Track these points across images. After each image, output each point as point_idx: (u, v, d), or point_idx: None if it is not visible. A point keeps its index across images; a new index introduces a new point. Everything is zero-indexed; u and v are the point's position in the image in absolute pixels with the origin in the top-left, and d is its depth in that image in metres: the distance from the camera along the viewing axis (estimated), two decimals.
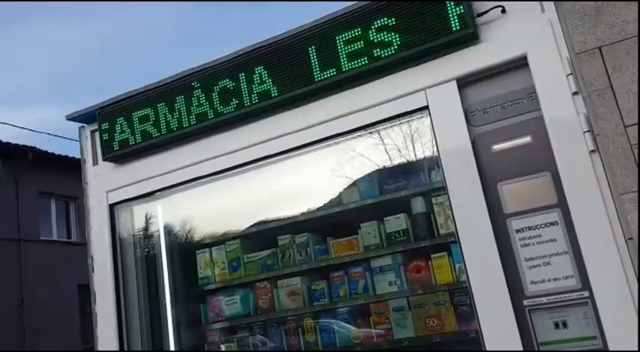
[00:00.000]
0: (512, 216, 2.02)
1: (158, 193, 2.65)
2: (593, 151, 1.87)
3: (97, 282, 2.63)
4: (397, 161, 2.81)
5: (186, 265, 3.08)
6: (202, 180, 2.59)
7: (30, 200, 12.48)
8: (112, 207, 2.68)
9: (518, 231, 2.01)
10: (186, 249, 3.13)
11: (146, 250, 2.93)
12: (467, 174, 2.04)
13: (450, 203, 2.08)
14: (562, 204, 1.94)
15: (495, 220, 2.01)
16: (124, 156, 2.66)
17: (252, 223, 3.15)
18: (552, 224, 1.96)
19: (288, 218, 2.94)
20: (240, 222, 3.16)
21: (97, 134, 2.74)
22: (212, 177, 2.58)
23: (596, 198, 1.85)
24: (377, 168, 2.84)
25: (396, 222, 2.61)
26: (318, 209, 2.92)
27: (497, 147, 2.05)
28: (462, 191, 2.06)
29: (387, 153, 2.80)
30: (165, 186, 2.59)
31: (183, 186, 2.62)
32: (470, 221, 2.03)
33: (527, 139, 2.02)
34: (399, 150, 2.77)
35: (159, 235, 2.98)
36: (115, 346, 2.59)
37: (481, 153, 2.06)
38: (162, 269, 2.95)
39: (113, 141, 2.67)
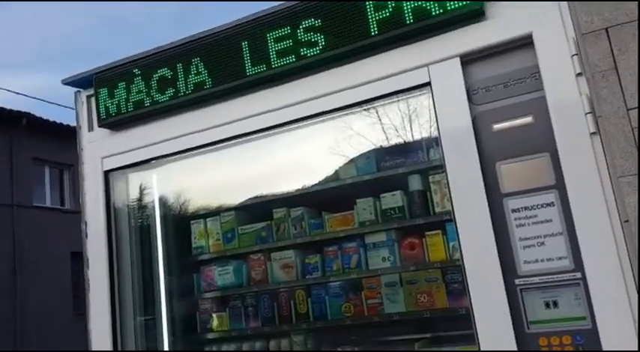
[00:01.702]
0: (509, 195, 2.02)
1: (154, 162, 2.63)
2: (593, 133, 1.86)
3: (91, 248, 2.63)
4: (395, 141, 2.81)
5: (180, 235, 3.08)
6: (199, 151, 2.56)
7: (24, 166, 12.42)
8: (106, 174, 2.65)
9: (514, 210, 2.01)
10: (180, 219, 3.13)
11: (140, 219, 2.92)
12: (466, 152, 2.03)
13: (448, 181, 2.07)
14: (560, 186, 1.94)
15: (492, 199, 2.01)
16: (120, 122, 2.63)
17: (247, 197, 3.15)
18: (549, 205, 1.97)
19: (284, 193, 2.94)
20: (236, 195, 3.16)
21: (93, 99, 2.70)
22: (209, 148, 2.56)
23: (594, 180, 1.85)
24: (374, 147, 2.83)
25: (392, 199, 2.61)
26: (314, 185, 2.92)
27: (497, 126, 2.04)
28: (461, 169, 2.05)
29: (385, 132, 2.79)
30: (161, 154, 2.57)
31: (179, 156, 2.60)
32: (467, 199, 2.03)
33: (528, 119, 2.01)
34: (396, 129, 2.76)
35: (153, 204, 2.97)
36: (107, 311, 2.60)
37: (481, 132, 2.05)
38: (156, 238, 2.95)
39: (109, 107, 2.63)
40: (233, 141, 2.51)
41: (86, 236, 2.65)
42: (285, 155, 2.94)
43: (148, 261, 2.90)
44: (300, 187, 2.96)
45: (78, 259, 12.00)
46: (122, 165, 2.63)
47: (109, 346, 2.58)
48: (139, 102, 2.56)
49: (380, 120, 2.76)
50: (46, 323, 12.06)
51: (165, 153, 2.55)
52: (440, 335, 2.57)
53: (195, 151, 2.55)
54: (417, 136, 2.73)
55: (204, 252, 2.99)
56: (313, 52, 2.26)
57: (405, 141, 2.71)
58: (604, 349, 1.80)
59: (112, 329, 2.61)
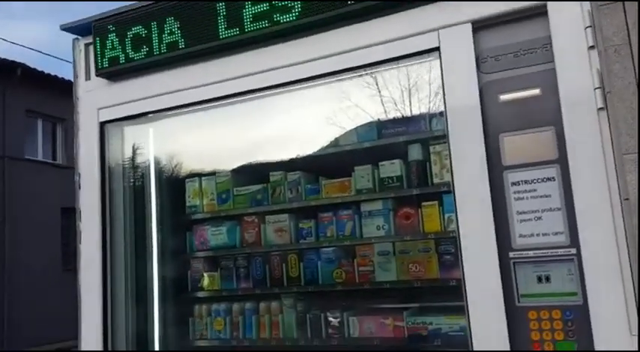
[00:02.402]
0: (510, 168, 2.00)
1: (151, 116, 2.58)
2: (601, 109, 1.83)
3: (83, 200, 2.60)
4: (392, 114, 2.78)
5: (174, 193, 3.06)
6: (198, 107, 2.51)
7: (16, 117, 12.26)
8: (102, 126, 2.60)
9: (514, 183, 1.99)
10: (175, 177, 3.10)
11: (134, 177, 2.89)
12: (471, 122, 2.00)
13: (450, 150, 2.04)
14: (562, 161, 1.92)
15: (493, 171, 1.99)
16: (118, 72, 2.56)
17: (244, 161, 3.12)
18: (549, 179, 1.95)
19: (281, 160, 2.91)
20: (233, 158, 3.13)
21: (92, 48, 2.63)
22: (208, 105, 2.51)
23: (597, 157, 1.83)
24: (372, 119, 2.80)
25: (391, 168, 2.59)
26: (313, 152, 2.89)
27: (504, 97, 2.01)
28: (464, 139, 2.02)
29: (383, 105, 2.76)
30: (158, 108, 2.51)
31: (177, 112, 2.55)
32: (467, 170, 2.01)
33: (536, 92, 1.97)
34: (395, 103, 2.72)
35: (149, 161, 2.93)
36: (98, 264, 2.59)
37: (487, 102, 2.01)
38: (149, 195, 2.92)
39: (107, 56, 2.56)
40: (232, 100, 2.46)
41: (79, 187, 2.61)
42: (284, 122, 2.91)
43: (141, 219, 2.88)
44: (297, 154, 2.94)
45: (68, 215, 12.04)
46: (118, 117, 2.58)
47: (98, 301, 2.58)
48: (138, 52, 2.49)
49: (380, 92, 2.72)
50: (35, 278, 12.13)
51: (163, 107, 2.50)
52: (429, 305, 2.59)
53: (194, 108, 2.50)
54: (416, 111, 2.70)
55: (197, 212, 2.97)
56: (321, 9, 2.19)
57: (408, 109, 2.67)
58: (593, 325, 1.81)
59: (103, 283, 2.60)
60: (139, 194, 2.89)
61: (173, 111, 2.53)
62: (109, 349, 2.58)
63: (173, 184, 3.06)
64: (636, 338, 1.74)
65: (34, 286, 12.02)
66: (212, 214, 2.94)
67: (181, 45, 2.42)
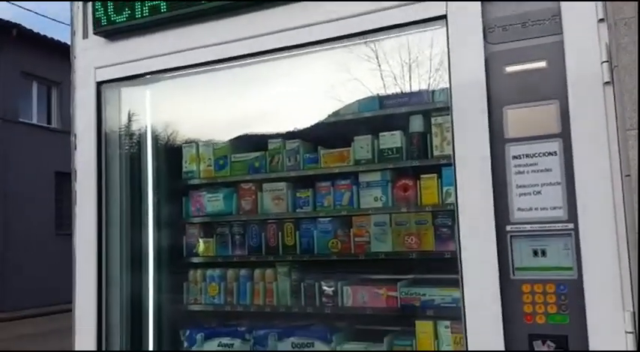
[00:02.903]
0: (512, 141, 1.98)
1: (148, 77, 2.53)
2: (607, 83, 1.81)
3: (79, 160, 2.57)
4: (392, 90, 2.75)
5: (170, 159, 3.03)
6: (198, 70, 2.46)
7: (11, 79, 12.09)
8: (99, 86, 2.55)
9: (515, 157, 1.98)
10: (172, 143, 3.08)
11: (131, 143, 2.86)
12: (475, 93, 1.97)
13: (452, 121, 2.02)
14: (565, 135, 1.90)
15: (494, 144, 1.97)
16: (116, 31, 2.49)
17: (242, 131, 3.09)
18: (551, 153, 1.93)
19: (280, 132, 2.87)
20: (230, 128, 3.09)
21: (90, 4, 2.56)
22: (208, 68, 2.46)
23: (600, 132, 1.81)
24: (371, 94, 2.77)
25: (391, 139, 2.57)
26: (312, 122, 2.86)
27: (510, 68, 1.97)
28: (467, 110, 2.00)
29: (383, 80, 2.72)
30: (157, 69, 2.46)
31: (175, 73, 2.50)
32: (469, 142, 1.99)
33: (542, 64, 1.94)
34: (395, 78, 2.69)
35: (145, 127, 2.90)
36: (93, 226, 2.58)
37: (492, 73, 1.98)
38: (146, 160, 2.90)
39: (106, 13, 2.49)
40: (232, 64, 2.41)
41: (75, 147, 2.58)
42: (284, 93, 2.87)
43: (137, 183, 2.86)
44: (295, 126, 2.91)
45: (62, 179, 12.02)
46: (116, 77, 2.53)
47: (93, 264, 2.58)
48: (139, 10, 2.42)
49: (380, 66, 2.68)
50: (28, 242, 12.16)
51: (163, 67, 2.44)
52: (423, 277, 2.61)
53: (194, 70, 2.45)
54: (415, 87, 2.67)
55: (194, 177, 2.96)
56: None
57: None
58: (587, 299, 1.82)
59: (98, 245, 2.59)
60: (135, 161, 2.86)
61: (171, 73, 2.48)
62: (104, 313, 2.59)
63: (169, 150, 3.03)
64: (629, 313, 1.76)
65: (27, 250, 12.06)
66: (209, 180, 2.93)
67: (182, 4, 2.36)
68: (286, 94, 2.92)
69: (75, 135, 2.59)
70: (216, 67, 2.40)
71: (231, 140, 2.97)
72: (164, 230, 2.94)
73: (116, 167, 2.72)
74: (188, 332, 2.89)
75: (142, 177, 2.87)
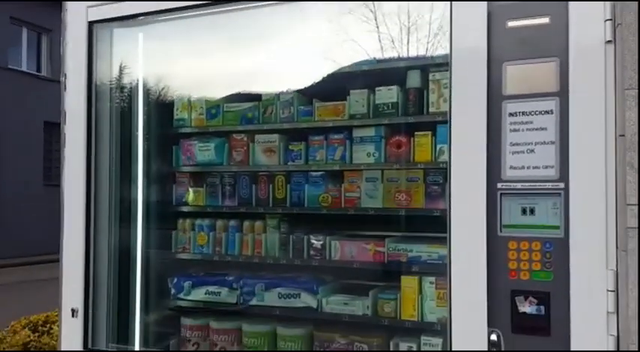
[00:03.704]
0: (510, 98, 1.96)
1: (142, 18, 2.46)
2: (609, 42, 1.79)
3: (69, 102, 2.52)
4: (390, 54, 2.70)
5: (162, 106, 2.99)
6: (192, 14, 2.39)
7: (0, 24, 11.75)
8: (90, 26, 2.48)
9: (511, 114, 1.97)
10: (164, 95, 3.02)
11: (122, 85, 2.80)
12: (475, 48, 1.94)
13: (451, 76, 2.00)
14: (562, 94, 1.89)
15: (492, 100, 1.96)
16: None
17: (236, 88, 3.03)
18: (547, 112, 1.92)
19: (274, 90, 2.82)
20: (224, 86, 3.03)
21: None
22: (201, 12, 2.39)
23: (598, 90, 1.80)
24: (368, 57, 2.72)
25: (387, 94, 2.54)
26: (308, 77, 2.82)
27: (512, 24, 1.94)
28: (466, 65, 1.97)
29: (380, 42, 2.67)
30: (150, 10, 2.39)
31: (169, 16, 2.43)
32: (467, 98, 1.98)
33: (545, 20, 1.90)
34: (392, 41, 2.64)
35: (137, 71, 2.84)
36: (82, 166, 2.55)
37: (494, 28, 1.94)
38: (137, 104, 2.85)
39: None
40: (229, 8, 2.34)
41: (65, 88, 2.52)
42: (280, 49, 2.81)
43: (128, 128, 2.82)
44: (289, 84, 2.86)
45: (51, 129, 11.84)
46: (108, 17, 2.46)
47: (81, 211, 2.56)
48: None
49: (378, 28, 2.63)
50: (16, 192, 12.08)
51: (155, 9, 2.37)
52: (411, 235, 2.63)
53: (188, 13, 2.38)
54: (413, 52, 2.62)
55: (185, 125, 2.92)
56: None
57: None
58: (571, 258, 1.85)
59: (86, 191, 2.57)
60: (125, 106, 2.81)
61: (165, 15, 2.41)
62: (91, 261, 2.59)
63: (162, 99, 2.98)
64: (612, 272, 1.79)
65: (15, 200, 12.00)
66: (200, 129, 2.89)
67: None
68: (283, 52, 2.86)
69: (65, 75, 2.53)
70: (214, 10, 2.33)
71: (225, 96, 2.91)
72: (154, 178, 2.92)
73: (106, 111, 2.68)
74: (176, 279, 2.91)
75: (132, 123, 2.84)
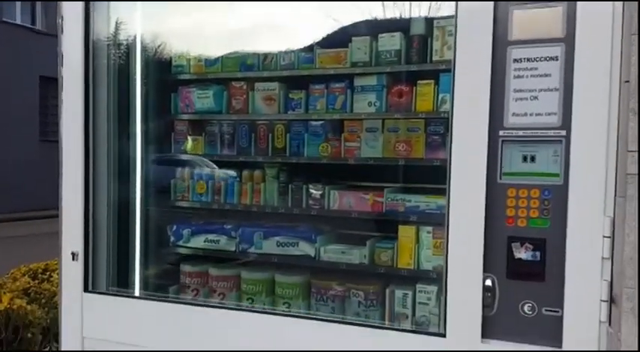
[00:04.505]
0: (515, 44, 1.94)
1: None
2: None
3: (65, 44, 2.47)
4: (390, 14, 2.63)
5: (160, 59, 2.94)
6: None
7: None
8: None
9: (516, 60, 1.95)
10: (160, 44, 2.97)
11: (119, 40, 2.74)
12: None
13: (456, 22, 1.96)
14: (569, 40, 1.86)
15: (497, 46, 1.94)
16: None
17: (233, 47, 2.96)
18: (552, 58, 1.90)
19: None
20: (222, 45, 2.96)
21: None
22: None
23: (605, 35, 1.78)
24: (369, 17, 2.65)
25: (390, 41, 2.49)
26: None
27: None
28: (472, 10, 1.93)
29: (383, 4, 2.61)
30: None
31: None
32: (472, 42, 1.95)
33: None
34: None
35: (135, 24, 2.78)
36: (80, 117, 2.53)
37: None
38: (135, 53, 2.80)
39: None
40: None
41: (62, 31, 2.47)
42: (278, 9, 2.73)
43: (126, 74, 2.78)
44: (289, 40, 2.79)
45: (47, 84, 11.66)
46: None
47: (80, 158, 2.55)
48: None
49: None
50: (11, 148, 12.01)
51: None
52: (410, 186, 2.64)
53: None
54: (415, 13, 2.56)
55: (184, 72, 2.87)
56: None
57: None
58: (569, 206, 1.86)
59: (85, 138, 2.56)
60: (123, 53, 2.76)
61: None
62: (90, 207, 2.60)
63: (159, 55, 2.92)
64: (609, 219, 1.81)
65: (10, 156, 11.94)
66: (199, 76, 2.85)
67: None
68: (281, 12, 2.77)
69: (62, 17, 2.47)
70: None
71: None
72: (152, 125, 2.90)
73: (104, 67, 2.64)
74: (175, 227, 2.93)
75: (130, 69, 2.79)
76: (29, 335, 3.38)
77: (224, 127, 2.86)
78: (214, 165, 3.03)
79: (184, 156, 2.94)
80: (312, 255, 2.67)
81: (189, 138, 2.91)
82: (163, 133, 2.95)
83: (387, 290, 2.52)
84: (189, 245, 2.89)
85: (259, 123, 2.79)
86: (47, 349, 3.44)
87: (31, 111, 12.23)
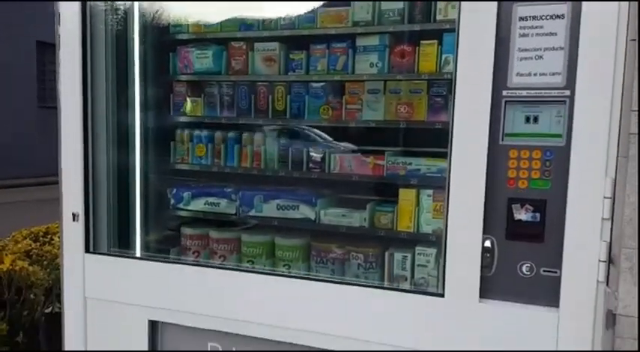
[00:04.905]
0: (521, 1, 1.89)
1: None
2: None
3: (62, 7, 2.42)
4: None
5: (158, 16, 2.87)
6: None
7: None
8: None
9: (521, 18, 1.90)
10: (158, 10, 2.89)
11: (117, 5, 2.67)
12: None
13: None
14: None
15: (502, 4, 1.89)
16: None
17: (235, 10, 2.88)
18: (558, 17, 1.86)
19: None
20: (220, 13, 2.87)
21: None
22: None
23: None
24: None
25: None
26: None
27: None
28: None
29: None
30: None
31: None
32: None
33: None
34: None
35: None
36: (78, 79, 2.49)
37: None
38: (132, 16, 2.74)
39: None
40: None
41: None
42: None
43: (123, 36, 2.73)
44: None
45: (44, 49, 11.49)
46: None
47: (79, 124, 2.53)
48: None
49: None
50: (9, 114, 11.92)
51: None
52: (411, 149, 2.62)
53: None
54: None
55: (182, 31, 2.81)
56: None
57: None
58: (571, 167, 1.85)
59: (83, 99, 2.53)
60: (120, 14, 2.70)
61: None
62: (90, 178, 2.59)
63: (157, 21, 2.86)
64: (610, 180, 1.80)
65: (8, 122, 11.86)
66: (197, 36, 2.79)
67: None
68: None
69: None
70: None
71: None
72: (150, 89, 2.86)
73: (101, 23, 2.58)
74: (175, 190, 2.92)
75: (127, 34, 2.74)
76: (32, 296, 3.43)
77: (223, 89, 2.82)
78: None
79: (183, 118, 2.91)
80: (313, 218, 2.67)
81: (188, 99, 2.88)
82: (162, 95, 2.91)
83: (387, 253, 2.53)
84: (189, 207, 2.89)
85: (259, 85, 2.75)
86: (50, 309, 3.49)
87: (29, 77, 12.10)
